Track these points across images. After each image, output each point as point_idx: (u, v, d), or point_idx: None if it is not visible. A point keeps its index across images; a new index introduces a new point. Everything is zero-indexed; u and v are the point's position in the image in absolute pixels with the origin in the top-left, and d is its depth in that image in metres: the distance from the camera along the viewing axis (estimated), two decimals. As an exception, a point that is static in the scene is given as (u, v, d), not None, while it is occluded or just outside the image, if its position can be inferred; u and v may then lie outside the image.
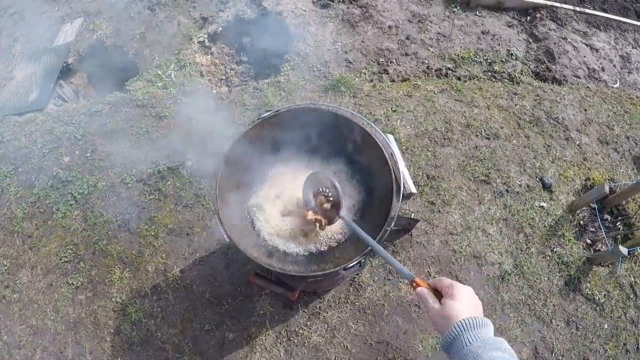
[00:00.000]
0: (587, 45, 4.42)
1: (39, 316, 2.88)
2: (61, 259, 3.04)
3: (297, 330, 2.72)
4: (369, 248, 1.66)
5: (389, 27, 4.23)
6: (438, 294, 1.16)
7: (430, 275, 2.90)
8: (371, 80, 3.89)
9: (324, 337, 2.71)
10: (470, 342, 1.02)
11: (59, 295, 2.92)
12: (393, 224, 1.75)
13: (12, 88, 4.07)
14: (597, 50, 4.40)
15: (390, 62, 3.99)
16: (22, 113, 3.88)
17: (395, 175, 1.84)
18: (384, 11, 4.35)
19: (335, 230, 2.03)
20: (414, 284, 1.21)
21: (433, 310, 1.12)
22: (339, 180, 2.12)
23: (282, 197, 2.05)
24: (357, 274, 2.87)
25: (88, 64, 4.25)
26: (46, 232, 3.16)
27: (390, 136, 2.18)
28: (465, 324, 1.04)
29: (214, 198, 1.87)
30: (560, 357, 2.75)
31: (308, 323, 2.74)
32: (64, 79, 4.13)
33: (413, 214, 3.09)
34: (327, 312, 2.77)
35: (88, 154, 3.44)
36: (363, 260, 1.80)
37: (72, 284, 2.95)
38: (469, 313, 1.08)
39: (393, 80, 3.89)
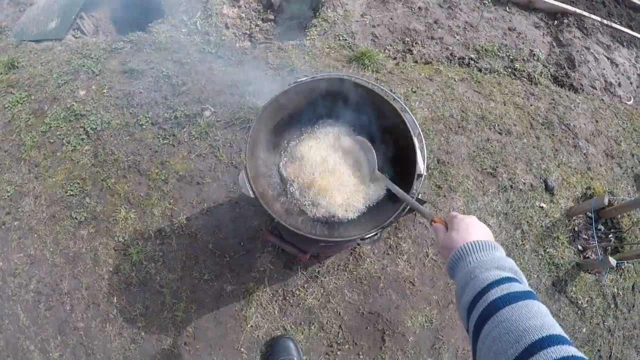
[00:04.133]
0: (608, 58, 4.45)
1: (37, 246, 2.89)
2: (67, 192, 3.03)
3: (293, 290, 2.79)
4: (388, 221, 1.73)
5: (419, 8, 4.21)
6: None
7: (427, 256, 2.98)
8: (394, 58, 3.89)
9: (319, 300, 2.78)
10: (470, 264, 1.06)
11: (61, 228, 2.93)
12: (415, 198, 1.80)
13: (32, 14, 3.98)
14: (617, 65, 4.44)
15: (416, 43, 3.99)
16: (39, 40, 3.80)
17: (418, 156, 1.88)
18: (416, -9, 4.32)
19: (358, 200, 2.06)
20: (433, 222, 1.30)
21: (441, 241, 1.20)
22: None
23: (310, 157, 2.08)
24: (358, 245, 2.93)
25: (112, -1, 4.17)
26: (54, 163, 3.15)
27: (408, 115, 2.22)
28: (467, 247, 1.09)
29: (243, 152, 1.88)
30: (538, 352, 2.87)
31: (305, 285, 2.81)
32: (85, 11, 4.04)
33: (420, 195, 3.15)
34: (325, 277, 2.84)
35: (105, 90, 3.41)
36: (380, 234, 1.86)
37: (76, 218, 2.95)
38: (473, 238, 1.12)
39: (416, 62, 3.90)
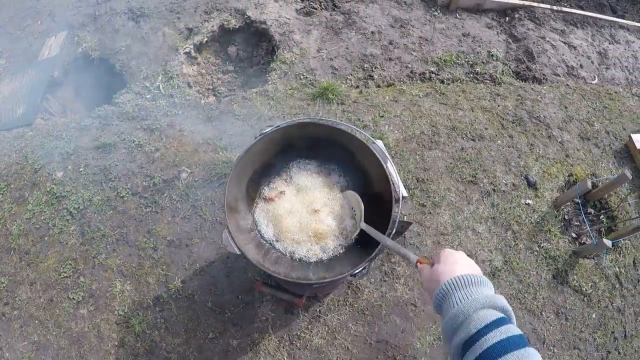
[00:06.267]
0: (565, 43, 4.57)
1: (40, 332, 2.88)
2: (60, 275, 3.04)
3: (298, 334, 2.79)
4: (374, 254, 1.76)
5: (372, 32, 4.32)
6: None
7: (424, 275, 3.00)
8: (357, 87, 3.98)
9: (325, 339, 2.79)
10: (460, 301, 0.98)
11: (60, 311, 2.93)
12: (395, 227, 1.84)
13: (-2, 104, 4.06)
14: (575, 48, 4.56)
15: (375, 68, 4.09)
16: (9, 129, 3.86)
17: (392, 182, 1.92)
18: (366, 17, 4.44)
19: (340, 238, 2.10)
20: (418, 264, 1.22)
21: (426, 276, 1.11)
22: (339, 189, 2.20)
23: (289, 204, 2.12)
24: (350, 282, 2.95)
25: (74, 77, 4.24)
26: (43, 248, 3.16)
27: (380, 142, 2.26)
28: (455, 282, 1.01)
29: (223, 212, 1.92)
30: (551, 348, 2.88)
31: (309, 326, 2.82)
32: (50, 93, 4.12)
33: (405, 217, 3.19)
34: (327, 315, 2.85)
35: (81, 169, 3.45)
36: (368, 266, 1.88)
37: (73, 298, 2.96)
38: (462, 272, 1.04)
39: (379, 86, 3.98)
